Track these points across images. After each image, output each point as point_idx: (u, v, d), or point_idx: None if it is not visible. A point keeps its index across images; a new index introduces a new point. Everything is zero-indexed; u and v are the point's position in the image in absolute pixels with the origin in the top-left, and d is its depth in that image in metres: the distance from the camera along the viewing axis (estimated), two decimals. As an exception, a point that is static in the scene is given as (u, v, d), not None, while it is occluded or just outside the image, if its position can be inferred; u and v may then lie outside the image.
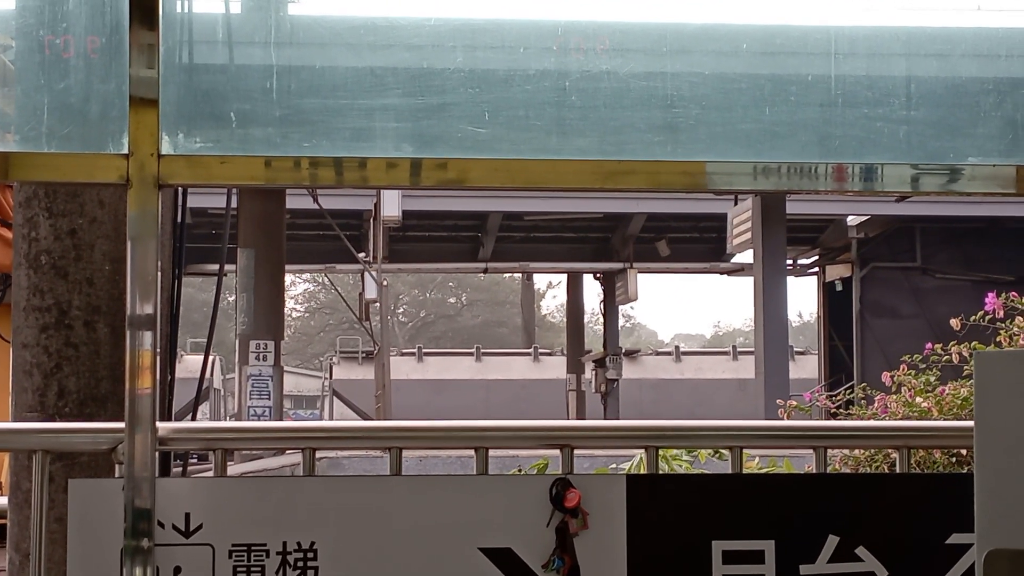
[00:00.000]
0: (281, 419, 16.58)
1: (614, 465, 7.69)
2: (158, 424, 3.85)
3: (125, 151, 3.82)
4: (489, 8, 4.05)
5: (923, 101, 4.06)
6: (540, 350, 47.25)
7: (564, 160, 3.99)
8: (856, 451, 8.22)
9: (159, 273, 3.87)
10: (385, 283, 19.87)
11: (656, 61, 4.03)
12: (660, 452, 4.41)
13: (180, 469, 6.53)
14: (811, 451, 4.41)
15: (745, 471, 4.33)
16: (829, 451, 4.51)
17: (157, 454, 3.87)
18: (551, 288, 71.82)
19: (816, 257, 30.60)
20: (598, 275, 32.68)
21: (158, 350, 3.86)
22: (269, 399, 16.37)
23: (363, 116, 3.96)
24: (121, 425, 3.85)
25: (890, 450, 6.87)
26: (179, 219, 6.34)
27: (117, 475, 4.03)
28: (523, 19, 4.04)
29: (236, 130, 3.93)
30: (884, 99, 4.04)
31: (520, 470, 7.77)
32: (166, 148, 3.85)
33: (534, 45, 4.02)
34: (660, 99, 3.99)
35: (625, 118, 3.99)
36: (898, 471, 4.37)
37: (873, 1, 4.19)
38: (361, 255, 23.74)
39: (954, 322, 9.54)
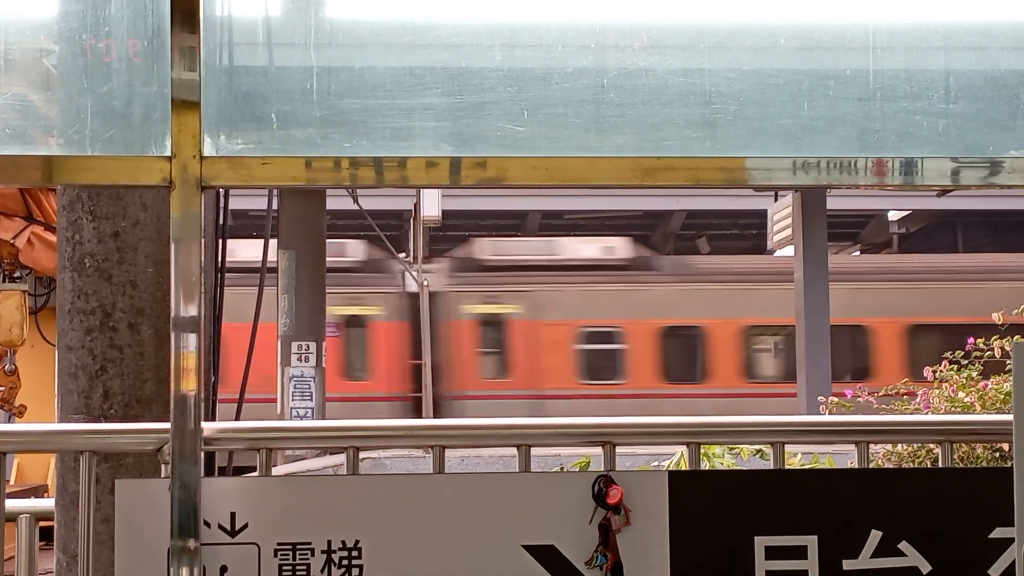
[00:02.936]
0: (324, 419, 16.60)
1: (656, 463, 7.68)
2: (203, 424, 3.88)
3: (168, 153, 3.85)
4: (527, 8, 4.05)
5: (962, 94, 4.04)
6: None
7: (603, 157, 3.99)
8: (899, 446, 8.20)
9: (202, 275, 3.89)
10: (425, 283, 19.88)
11: (694, 58, 4.03)
12: (703, 449, 4.41)
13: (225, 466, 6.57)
14: (853, 447, 4.40)
15: (787, 467, 4.32)
16: (871, 446, 4.50)
17: (202, 454, 3.89)
18: (591, 286, 71.61)
19: (858, 253, 30.46)
20: (638, 272, 32.57)
21: (201, 351, 3.88)
22: (311, 400, 16.37)
23: (403, 116, 3.98)
24: (166, 426, 3.87)
25: (932, 445, 6.86)
26: (221, 221, 6.37)
27: (163, 475, 4.06)
28: (561, 18, 4.05)
29: (277, 131, 3.95)
30: (923, 93, 4.03)
31: (562, 468, 7.77)
32: (208, 150, 3.87)
33: (572, 43, 4.03)
34: (698, 95, 3.99)
35: (663, 115, 3.99)
36: (941, 465, 4.36)
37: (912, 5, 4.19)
38: (401, 255, 23.76)
39: (996, 316, 9.49)
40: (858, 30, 4.06)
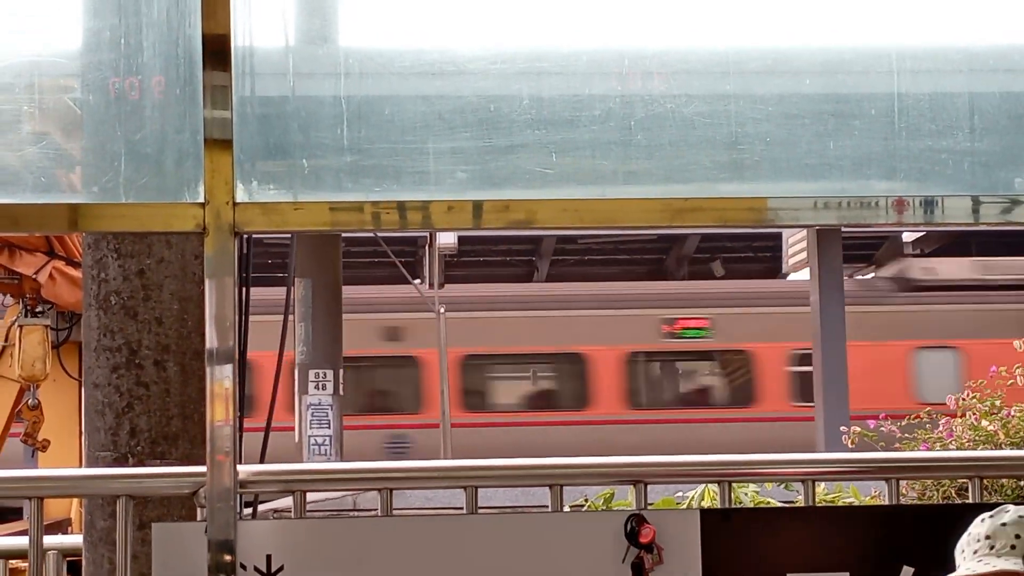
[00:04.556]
0: (342, 446, 16.62)
1: (679, 493, 7.70)
2: (238, 467, 3.91)
3: (201, 200, 3.88)
4: (555, 50, 4.09)
5: (986, 132, 4.07)
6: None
7: (632, 199, 4.03)
8: (924, 476, 8.18)
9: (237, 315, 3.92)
10: (442, 310, 19.86)
11: (720, 99, 4.07)
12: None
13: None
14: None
15: (818, 504, 4.34)
16: (897, 479, 4.51)
17: (239, 497, 3.93)
18: (605, 309, 71.48)
19: (872, 275, 30.41)
20: (654, 296, 32.52)
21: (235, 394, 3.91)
22: (329, 428, 16.37)
23: (432, 159, 4.01)
24: (202, 469, 3.90)
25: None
26: (244, 250, 6.37)
27: (199, 518, 4.09)
28: (588, 60, 4.08)
29: (308, 176, 3.98)
30: (948, 131, 4.05)
31: (586, 499, 7.80)
32: (240, 196, 3.90)
33: (599, 86, 4.06)
34: (724, 137, 4.02)
35: (691, 156, 4.03)
36: (970, 500, 4.37)
37: (936, 29, 4.22)
38: (416, 281, 23.78)
39: (1018, 343, 9.49)
40: (883, 70, 4.10)
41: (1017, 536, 3.06)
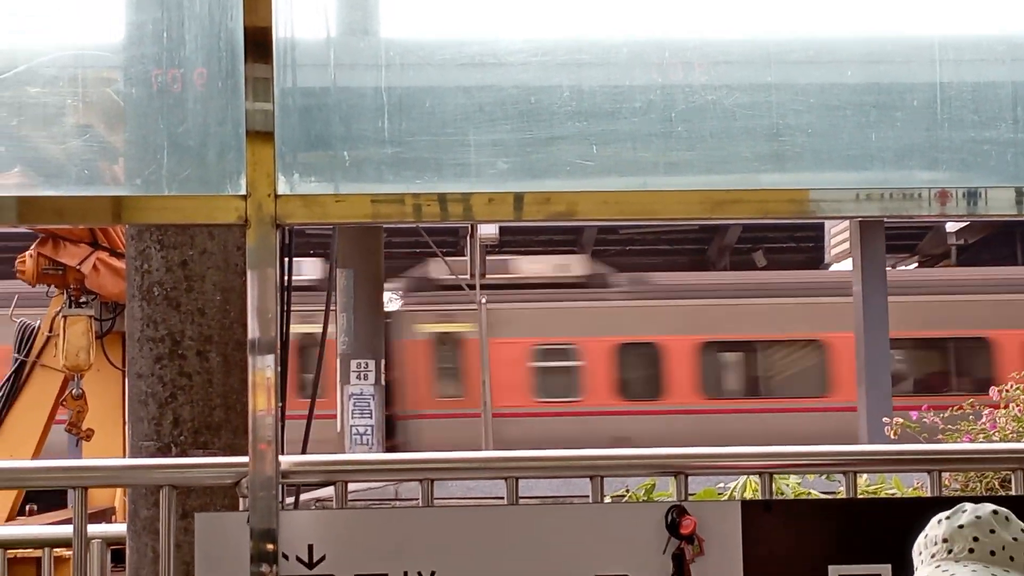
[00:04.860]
0: (385, 436, 16.67)
1: (721, 484, 7.69)
2: (280, 458, 3.93)
3: (243, 192, 3.90)
4: (596, 42, 4.09)
5: (1031, 122, 4.05)
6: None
7: (672, 191, 4.03)
8: (966, 467, 8.14)
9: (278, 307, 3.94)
10: (484, 301, 19.88)
11: (761, 90, 4.06)
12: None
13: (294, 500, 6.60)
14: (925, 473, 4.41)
15: (860, 496, 4.32)
16: (941, 472, 4.49)
17: (281, 487, 3.95)
18: (646, 299, 71.39)
19: (915, 265, 30.28)
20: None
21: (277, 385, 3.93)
22: (371, 418, 16.42)
23: (473, 151, 4.02)
24: (244, 459, 3.92)
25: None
26: (286, 240, 6.40)
27: (241, 508, 4.12)
28: (629, 52, 4.08)
29: (349, 168, 4.00)
30: (990, 122, 4.03)
31: (627, 490, 7.80)
32: (282, 188, 3.92)
33: (640, 77, 4.06)
34: (765, 128, 4.02)
35: (731, 148, 4.02)
36: (1014, 492, 4.35)
37: (978, 19, 4.20)
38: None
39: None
40: (925, 60, 4.08)
41: (975, 539, 2.93)
